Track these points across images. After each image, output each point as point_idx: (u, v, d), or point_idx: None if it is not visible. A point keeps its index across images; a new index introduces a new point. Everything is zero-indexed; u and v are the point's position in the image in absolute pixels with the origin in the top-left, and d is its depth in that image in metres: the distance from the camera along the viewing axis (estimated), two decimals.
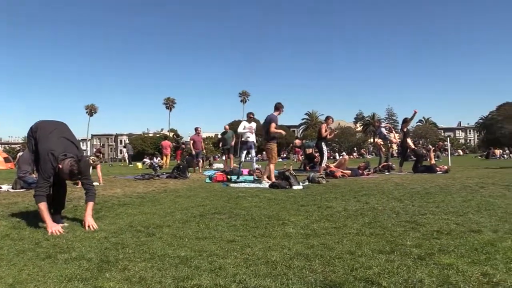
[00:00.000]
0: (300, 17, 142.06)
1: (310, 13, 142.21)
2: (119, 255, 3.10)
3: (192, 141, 15.82)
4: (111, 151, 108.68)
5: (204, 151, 18.01)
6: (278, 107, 9.41)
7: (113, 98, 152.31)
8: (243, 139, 11.28)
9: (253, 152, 11.18)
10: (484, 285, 2.30)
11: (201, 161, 15.98)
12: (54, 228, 4.00)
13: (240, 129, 11.36)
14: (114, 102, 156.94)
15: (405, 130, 13.49)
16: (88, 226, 4.17)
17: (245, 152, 11.15)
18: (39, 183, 4.19)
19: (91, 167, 9.50)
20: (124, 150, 44.47)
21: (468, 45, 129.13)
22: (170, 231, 3.96)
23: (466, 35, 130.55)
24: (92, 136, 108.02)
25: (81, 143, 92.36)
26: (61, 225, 4.27)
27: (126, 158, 29.03)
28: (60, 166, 4.13)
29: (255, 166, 11.13)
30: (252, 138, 11.26)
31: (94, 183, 9.05)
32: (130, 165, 24.91)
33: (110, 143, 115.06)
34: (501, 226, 3.84)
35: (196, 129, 15.92)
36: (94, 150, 14.72)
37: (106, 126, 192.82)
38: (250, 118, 11.55)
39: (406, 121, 13.56)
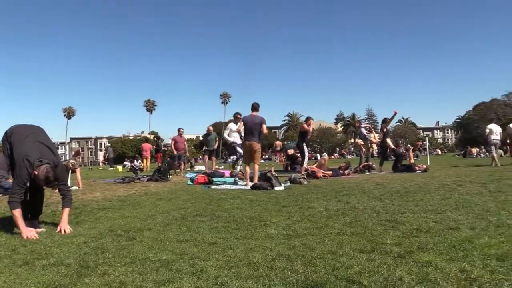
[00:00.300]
0: (276, 16, 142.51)
1: (286, 12, 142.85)
2: (98, 260, 3.05)
3: (173, 142, 15.56)
4: (90, 155, 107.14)
5: (187, 153, 17.79)
6: (258, 108, 9.41)
7: (92, 100, 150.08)
8: (233, 144, 11.19)
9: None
10: (462, 282, 2.34)
11: (183, 163, 15.74)
12: (29, 233, 3.92)
13: (225, 134, 11.29)
14: (93, 105, 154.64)
15: (384, 130, 13.66)
16: (64, 231, 4.13)
17: (234, 157, 11.05)
18: (14, 189, 4.11)
19: (70, 171, 9.35)
20: (100, 153, 43.95)
21: (445, 46, 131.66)
22: (151, 235, 3.92)
23: (443, 37, 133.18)
24: (71, 139, 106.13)
25: (59, 146, 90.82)
26: (39, 230, 4.20)
27: (101, 161, 28.70)
28: (36, 172, 4.07)
29: (239, 168, 11.08)
30: (239, 140, 11.17)
31: (73, 187, 9.00)
32: (111, 168, 24.61)
33: (89, 146, 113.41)
34: (478, 223, 3.92)
35: (178, 130, 15.67)
36: (73, 153, 14.45)
37: (85, 129, 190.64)
38: (237, 118, 11.16)
39: (385, 121, 13.74)
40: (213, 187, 8.88)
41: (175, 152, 15.34)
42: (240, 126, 9.97)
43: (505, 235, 3.38)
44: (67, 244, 3.63)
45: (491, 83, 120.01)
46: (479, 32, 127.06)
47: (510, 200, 5.38)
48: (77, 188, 9.22)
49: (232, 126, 11.31)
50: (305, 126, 11.57)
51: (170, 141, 17.22)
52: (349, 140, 70.31)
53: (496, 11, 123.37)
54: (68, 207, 4.44)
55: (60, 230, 4.16)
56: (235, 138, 11.46)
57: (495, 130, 14.69)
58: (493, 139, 14.45)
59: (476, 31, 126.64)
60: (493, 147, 14.24)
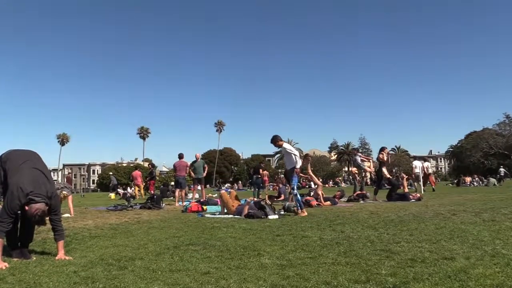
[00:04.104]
0: (272, 43, 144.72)
1: (282, 39, 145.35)
2: None
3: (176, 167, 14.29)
4: (83, 181, 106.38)
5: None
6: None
7: (86, 127, 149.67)
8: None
9: None
10: None
11: (184, 190, 14.46)
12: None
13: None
14: (87, 131, 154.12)
15: (381, 159, 13.72)
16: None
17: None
18: (2, 217, 4.01)
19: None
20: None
21: (437, 74, 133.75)
22: (142, 264, 3.86)
23: (432, 65, 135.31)
24: (64, 165, 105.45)
25: (52, 173, 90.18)
26: (29, 260, 4.12)
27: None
28: (27, 208, 4.02)
29: None
30: None
31: (65, 215, 8.87)
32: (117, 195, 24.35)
33: (82, 172, 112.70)
34: (473, 253, 3.90)
35: (180, 154, 14.58)
36: (65, 180, 14.33)
37: (79, 155, 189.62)
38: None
39: (383, 150, 13.82)
40: (207, 215, 8.81)
41: (178, 177, 14.17)
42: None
43: (500, 265, 3.36)
44: (56, 273, 3.55)
45: (483, 112, 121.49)
46: (468, 61, 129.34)
47: (504, 229, 5.38)
48: (68, 215, 9.09)
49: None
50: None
51: (163, 168, 16.87)
52: (343, 169, 70.37)
53: (488, 41, 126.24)
54: (62, 239, 4.40)
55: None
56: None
57: (419, 166, 18.62)
58: (416, 173, 18.41)
59: (469, 60, 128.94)
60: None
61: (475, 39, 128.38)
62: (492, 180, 27.33)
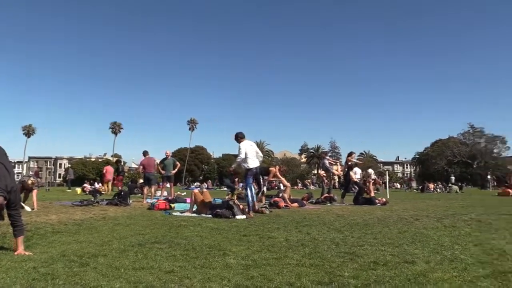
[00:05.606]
0: (241, 45, 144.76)
1: (245, 41, 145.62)
2: (47, 286, 2.92)
3: (141, 167, 14.01)
4: (49, 175, 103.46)
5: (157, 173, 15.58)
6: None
7: (54, 119, 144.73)
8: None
9: None
10: None
11: (153, 187, 13.96)
12: None
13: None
14: (55, 124, 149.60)
15: (349, 163, 13.93)
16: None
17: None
18: None
19: (26, 190, 9.00)
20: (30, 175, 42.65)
21: (404, 84, 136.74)
22: (105, 261, 3.79)
23: (401, 75, 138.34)
24: (29, 158, 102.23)
25: (16, 165, 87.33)
26: None
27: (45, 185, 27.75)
28: None
29: None
30: None
31: (26, 208, 8.62)
32: (69, 190, 23.80)
33: (48, 166, 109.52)
34: (432, 257, 4.02)
35: (144, 152, 14.07)
36: (33, 173, 13.83)
37: (45, 148, 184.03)
38: None
39: (351, 155, 14.06)
40: (174, 213, 8.73)
41: (146, 174, 13.68)
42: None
43: (458, 270, 3.48)
44: (14, 269, 3.44)
45: (449, 121, 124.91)
46: (437, 70, 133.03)
47: (463, 235, 5.57)
48: (29, 209, 8.83)
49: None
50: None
51: (133, 165, 16.61)
52: (313, 171, 71.09)
53: (456, 50, 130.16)
54: (22, 235, 4.28)
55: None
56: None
57: (359, 172, 17.81)
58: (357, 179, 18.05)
59: (433, 71, 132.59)
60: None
61: (442, 51, 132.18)
62: (454, 187, 28.28)
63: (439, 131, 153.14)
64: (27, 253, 4.11)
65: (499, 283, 3.10)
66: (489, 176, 39.31)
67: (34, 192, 9.46)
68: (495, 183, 39.44)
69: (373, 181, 21.09)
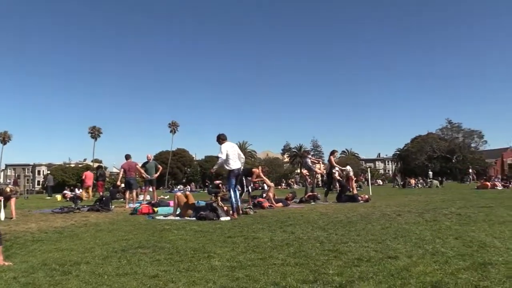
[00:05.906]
0: (226, 46, 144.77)
1: (227, 42, 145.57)
2: None
3: (122, 170, 13.44)
4: (27, 182, 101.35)
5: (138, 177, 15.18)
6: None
7: (29, 125, 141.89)
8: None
9: None
10: None
11: (135, 191, 13.63)
12: None
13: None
14: (31, 130, 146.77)
15: (332, 161, 14.03)
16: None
17: None
18: None
19: (3, 199, 8.80)
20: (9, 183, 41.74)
21: (384, 83, 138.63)
22: (88, 268, 3.73)
23: (380, 73, 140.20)
24: (6, 166, 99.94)
25: None
26: None
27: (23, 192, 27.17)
28: None
29: None
30: None
31: (2, 215, 8.42)
32: (48, 197, 23.36)
33: (26, 173, 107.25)
34: (415, 252, 4.09)
35: (126, 155, 13.61)
36: (11, 181, 13.51)
37: (23, 155, 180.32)
38: None
39: (333, 153, 14.16)
40: (157, 217, 8.66)
41: (127, 179, 13.23)
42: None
43: (439, 263, 3.55)
44: None
45: (428, 117, 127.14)
46: (419, 68, 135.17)
47: (444, 229, 5.67)
48: (3, 217, 8.63)
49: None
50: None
51: (114, 169, 16.35)
52: (296, 171, 71.36)
53: (434, 49, 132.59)
54: (0, 244, 4.19)
55: None
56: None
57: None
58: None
59: (413, 68, 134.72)
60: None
61: (422, 47, 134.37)
62: (435, 182, 28.75)
63: (418, 127, 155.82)
64: (6, 263, 4.03)
65: (479, 274, 3.17)
66: (470, 170, 40.34)
67: (13, 200, 9.25)
68: (474, 177, 40.30)
69: (355, 179, 21.32)
